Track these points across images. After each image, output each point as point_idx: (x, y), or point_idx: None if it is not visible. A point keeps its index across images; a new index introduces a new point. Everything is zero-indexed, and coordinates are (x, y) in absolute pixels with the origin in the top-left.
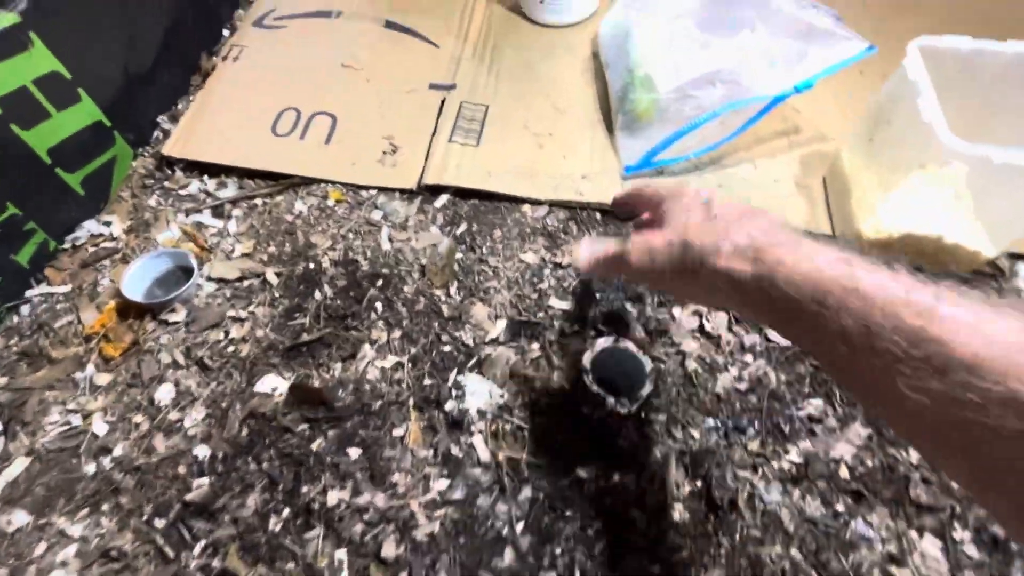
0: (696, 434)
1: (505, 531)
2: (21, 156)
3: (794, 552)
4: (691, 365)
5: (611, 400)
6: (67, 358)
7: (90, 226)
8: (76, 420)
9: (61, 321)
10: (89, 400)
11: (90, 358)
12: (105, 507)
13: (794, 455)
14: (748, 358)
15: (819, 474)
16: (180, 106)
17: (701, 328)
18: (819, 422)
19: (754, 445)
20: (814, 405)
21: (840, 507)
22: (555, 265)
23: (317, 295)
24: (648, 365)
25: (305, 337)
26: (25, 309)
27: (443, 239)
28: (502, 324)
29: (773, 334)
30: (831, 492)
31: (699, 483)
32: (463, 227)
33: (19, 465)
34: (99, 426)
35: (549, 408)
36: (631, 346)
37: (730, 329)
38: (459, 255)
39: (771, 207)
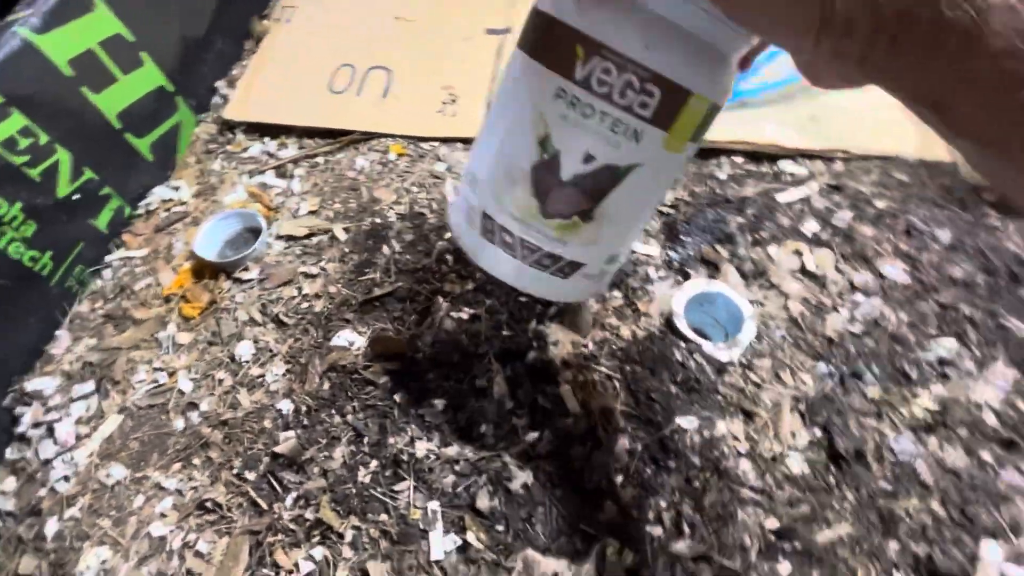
0: (808, 380)
1: (604, 484)
2: (94, 121)
3: (935, 506)
4: (795, 307)
5: (709, 345)
6: (149, 319)
7: (160, 191)
8: (163, 378)
9: (141, 284)
10: (173, 358)
11: (171, 318)
12: (196, 461)
13: (926, 401)
14: (859, 297)
15: (959, 421)
16: (236, 71)
17: (803, 268)
18: (952, 365)
19: (874, 392)
20: (944, 346)
21: (987, 456)
22: None
23: (386, 249)
24: (748, 308)
25: (377, 292)
26: (107, 273)
27: None
28: None
29: (890, 268)
30: (975, 440)
31: (819, 432)
32: None
33: (113, 422)
34: (185, 383)
35: (640, 356)
36: (725, 289)
37: (837, 268)
38: None
39: (877, 137)
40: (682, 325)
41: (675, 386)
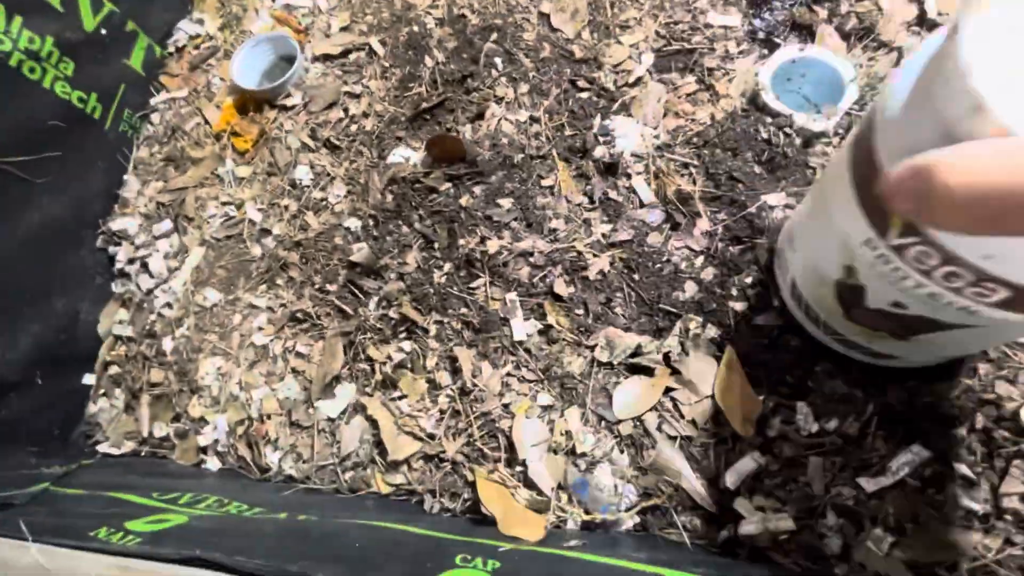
0: None
1: (683, 266)
2: None
3: None
4: None
5: (801, 115)
6: (206, 157)
7: (185, 27)
8: (232, 211)
9: (190, 124)
10: (237, 191)
11: (226, 154)
12: (280, 281)
13: None
14: None
15: None
16: None
17: (922, 17)
18: None
19: None
20: None
21: None
22: None
23: (428, 60)
24: (849, 70)
25: (425, 105)
26: (155, 117)
27: None
28: (648, 59)
29: None
30: None
31: None
32: None
33: (197, 254)
34: (253, 213)
35: (720, 139)
36: (821, 54)
37: None
38: None
39: None
40: (769, 98)
41: (759, 165)
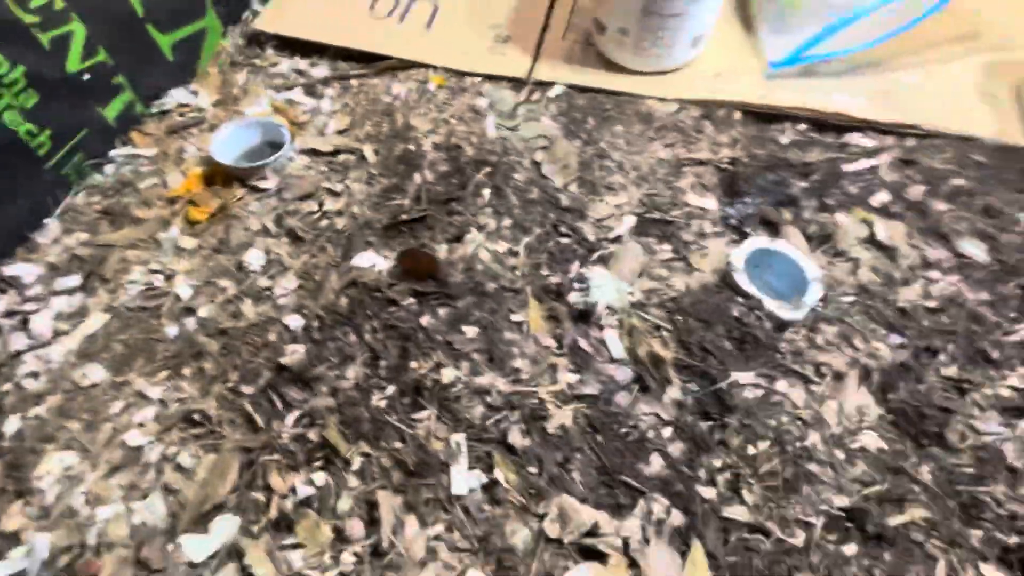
0: (881, 348)
1: (651, 435)
2: (118, 1)
3: None
4: (864, 275)
5: (770, 301)
6: (151, 219)
7: (178, 94)
8: (159, 281)
9: (145, 183)
10: (173, 261)
11: (175, 221)
12: (187, 371)
13: (1015, 381)
14: (934, 274)
15: None
16: None
17: (872, 238)
18: None
19: (951, 371)
20: None
21: None
22: (693, 161)
23: (417, 177)
24: (814, 269)
25: (405, 217)
26: (109, 169)
27: (556, 130)
28: (629, 221)
29: (969, 247)
30: None
31: (892, 407)
32: (580, 119)
33: (97, 320)
34: (183, 288)
35: (693, 309)
36: (790, 249)
37: (911, 243)
38: (573, 147)
39: (952, 117)
40: (742, 280)
41: (730, 342)
